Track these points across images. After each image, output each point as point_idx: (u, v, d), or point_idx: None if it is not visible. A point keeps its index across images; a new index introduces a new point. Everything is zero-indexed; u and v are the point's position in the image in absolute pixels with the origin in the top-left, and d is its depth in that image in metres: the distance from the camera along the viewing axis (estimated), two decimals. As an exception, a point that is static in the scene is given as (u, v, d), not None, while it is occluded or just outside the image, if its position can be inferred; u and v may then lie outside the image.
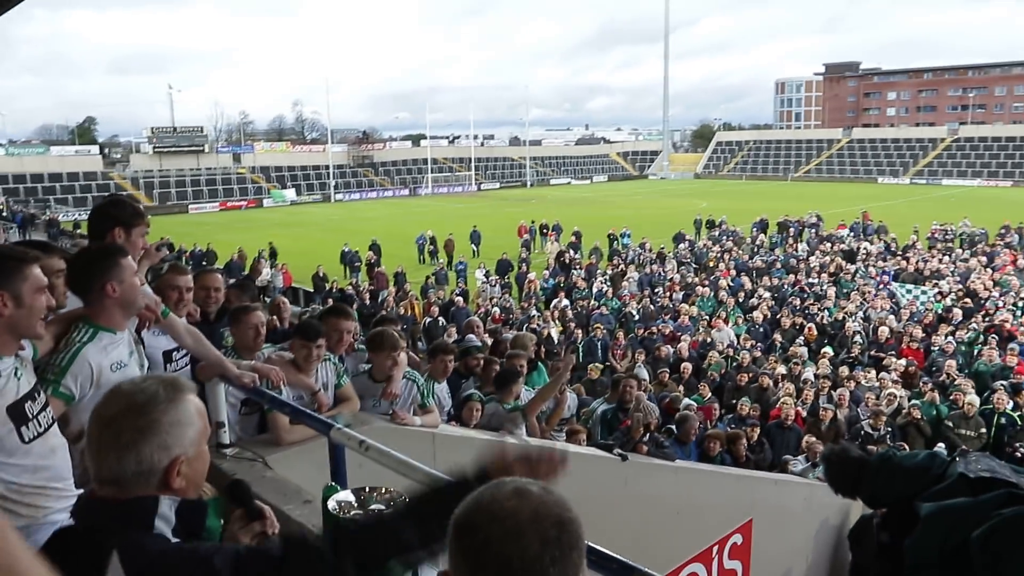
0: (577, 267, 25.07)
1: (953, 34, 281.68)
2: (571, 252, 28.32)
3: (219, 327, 4.75)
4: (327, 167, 73.93)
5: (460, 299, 18.95)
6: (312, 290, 23.03)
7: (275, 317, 6.88)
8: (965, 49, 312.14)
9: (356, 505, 2.37)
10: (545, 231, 35.64)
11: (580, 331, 15.37)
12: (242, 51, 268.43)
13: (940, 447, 9.98)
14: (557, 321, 16.73)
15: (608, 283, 21.61)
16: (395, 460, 2.84)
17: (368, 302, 19.10)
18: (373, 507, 2.32)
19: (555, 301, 19.54)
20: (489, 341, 10.69)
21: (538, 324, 15.99)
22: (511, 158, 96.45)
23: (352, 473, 3.23)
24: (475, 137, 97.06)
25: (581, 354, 14.65)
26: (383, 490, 2.42)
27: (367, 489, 2.43)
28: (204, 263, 24.50)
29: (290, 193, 70.33)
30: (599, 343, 14.68)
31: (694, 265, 25.38)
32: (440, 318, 15.77)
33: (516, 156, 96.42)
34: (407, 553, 1.65)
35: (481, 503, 1.27)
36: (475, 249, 32.44)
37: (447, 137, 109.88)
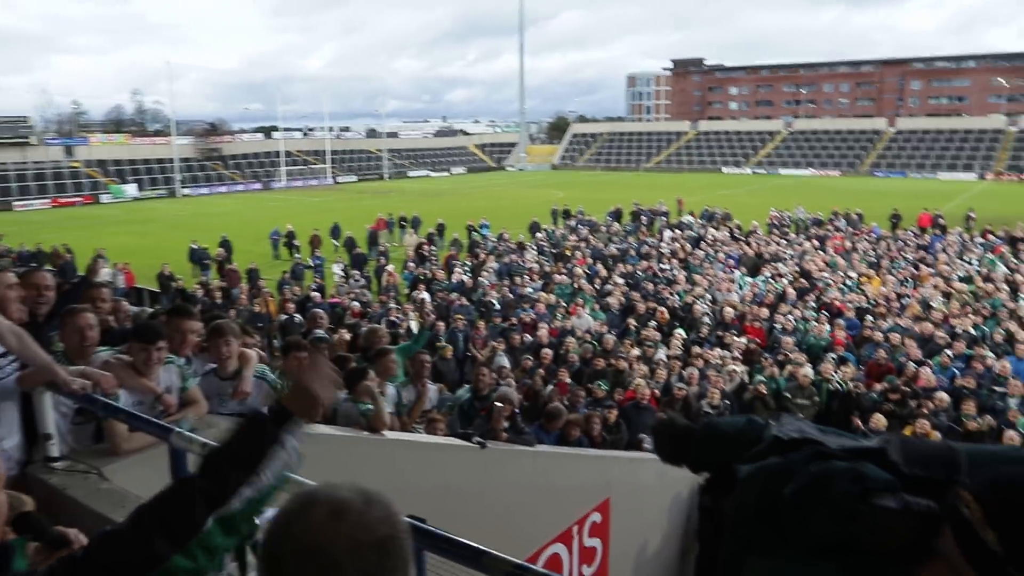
0: (436, 259, 25.05)
1: (788, 35, 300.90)
2: (430, 244, 28.26)
3: (48, 330, 4.43)
4: (171, 160, 70.17)
5: (317, 294, 18.50)
6: (159, 290, 21.86)
7: (112, 318, 6.46)
8: (798, 49, 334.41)
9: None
10: (404, 223, 35.37)
11: (441, 323, 15.33)
12: (73, 34, 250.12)
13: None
14: (416, 314, 16.63)
15: (468, 274, 21.71)
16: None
17: (220, 300, 18.31)
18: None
19: (414, 293, 19.44)
20: (347, 336, 10.51)
21: (397, 317, 15.84)
22: (368, 151, 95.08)
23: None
24: (330, 129, 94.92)
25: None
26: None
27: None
28: (33, 264, 22.76)
29: (131, 188, 66.28)
30: (460, 334, 14.72)
31: (552, 253, 25.88)
32: (296, 315, 15.32)
33: (373, 149, 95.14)
34: (209, 515, 1.46)
35: (291, 531, 1.11)
36: (336, 244, 31.77)
37: (301, 129, 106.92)
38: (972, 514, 1.04)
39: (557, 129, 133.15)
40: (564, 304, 17.64)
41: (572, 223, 34.17)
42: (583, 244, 26.88)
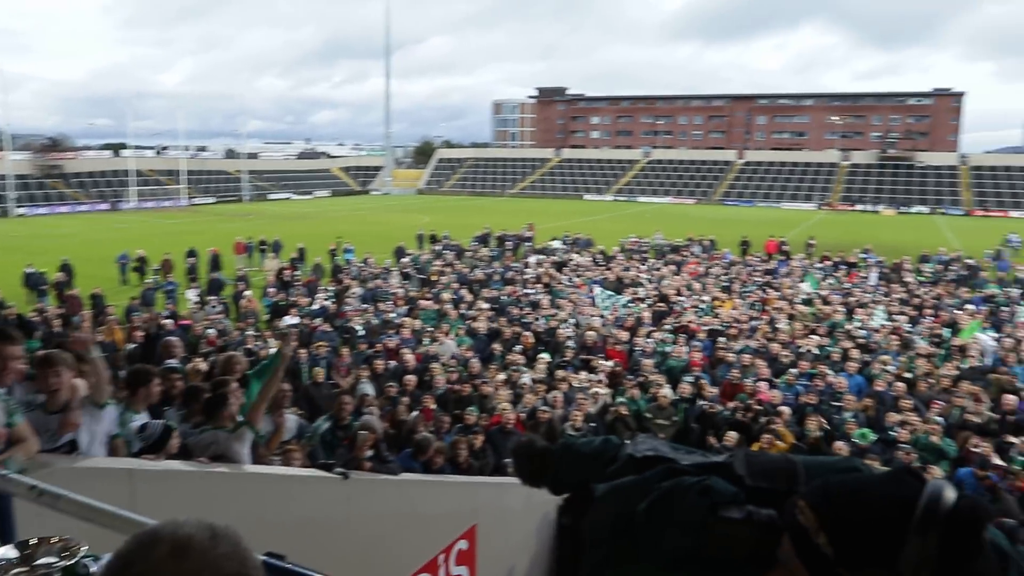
0: (298, 284, 24.36)
1: (647, 68, 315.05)
2: (293, 269, 27.45)
3: None
4: (4, 177, 65.03)
5: (170, 322, 17.53)
6: (-12, 317, 20.10)
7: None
8: (656, 82, 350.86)
9: (20, 561, 2.02)
10: (264, 247, 34.24)
11: (303, 350, 14.84)
12: None
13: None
14: (277, 341, 16.05)
15: (331, 299, 21.22)
16: (79, 505, 2.44)
17: (60, 328, 17.02)
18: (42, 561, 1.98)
19: (276, 320, 18.78)
20: (203, 366, 10.00)
21: (256, 345, 15.24)
22: (227, 172, 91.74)
23: (30, 524, 2.77)
24: (186, 148, 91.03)
25: (305, 373, 14.21)
26: (55, 539, 2.08)
27: (34, 541, 2.08)
28: None
29: (-44, 207, 60.91)
30: (323, 361, 14.32)
31: (418, 278, 25.73)
32: (146, 344, 14.44)
33: (232, 170, 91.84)
34: None
35: (131, 573, 1.01)
36: (191, 268, 30.27)
37: (154, 147, 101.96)
38: (806, 520, 1.09)
39: (423, 153, 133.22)
40: (430, 329, 17.53)
41: (438, 248, 34.13)
42: (449, 269, 26.88)
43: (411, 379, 12.90)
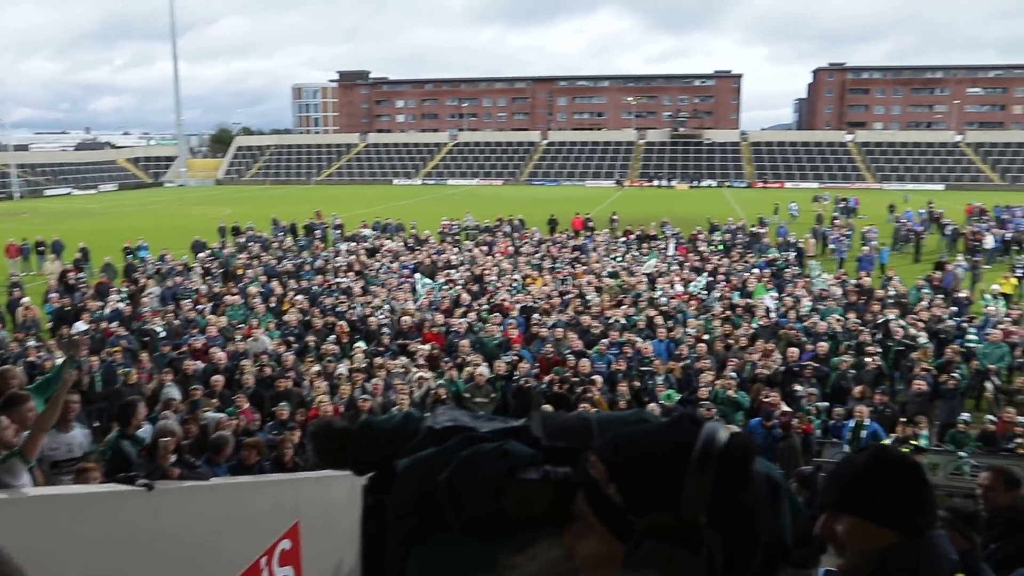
0: (84, 287, 22.41)
1: (451, 51, 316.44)
2: (77, 271, 25.17)
3: None
4: None
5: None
6: None
7: None
8: (460, 64, 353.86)
9: None
10: (42, 249, 31.16)
11: (94, 357, 13.65)
12: None
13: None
14: (63, 350, 14.68)
15: (126, 301, 19.70)
16: None
17: None
18: None
19: (62, 328, 17.16)
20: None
21: (38, 356, 13.88)
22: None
23: None
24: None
25: (99, 382, 13.13)
26: None
27: None
28: None
29: None
30: (118, 367, 13.28)
31: (221, 273, 24.47)
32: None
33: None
34: None
35: None
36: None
37: None
38: (597, 473, 1.13)
39: (220, 142, 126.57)
40: (239, 325, 16.73)
41: (242, 240, 32.55)
42: (255, 262, 25.72)
43: (219, 379, 12.26)
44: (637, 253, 27.83)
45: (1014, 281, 23.53)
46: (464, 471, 1.50)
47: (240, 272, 24.00)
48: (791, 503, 1.48)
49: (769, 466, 1.39)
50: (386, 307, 18.28)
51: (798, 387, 12.82)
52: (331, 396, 11.72)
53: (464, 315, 17.16)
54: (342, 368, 13.26)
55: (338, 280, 21.83)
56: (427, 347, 14.84)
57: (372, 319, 16.70)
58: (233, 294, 19.88)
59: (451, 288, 20.35)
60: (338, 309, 17.86)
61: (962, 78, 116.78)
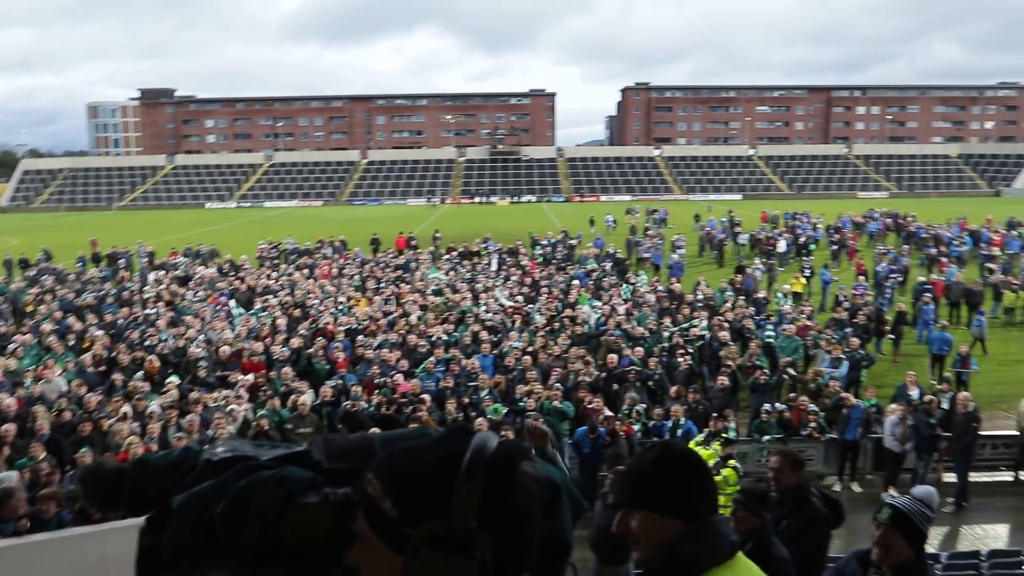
0: None
1: (264, 68, 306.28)
2: None
3: None
4: None
5: None
6: None
7: None
8: (275, 82, 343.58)
9: None
10: None
11: None
12: None
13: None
14: None
15: None
16: None
17: None
18: None
19: None
20: None
21: None
22: None
23: None
24: None
25: None
26: None
27: None
28: None
29: None
30: None
31: (10, 310, 22.27)
32: None
33: None
34: None
35: None
36: None
37: None
38: (374, 490, 1.16)
39: (4, 165, 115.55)
40: (32, 367, 15.22)
41: (32, 273, 29.68)
42: (48, 296, 23.56)
43: (10, 428, 11.09)
44: (463, 270, 28.06)
45: (803, 281, 25.79)
46: (240, 501, 1.48)
47: (31, 309, 21.93)
48: (574, 502, 1.55)
49: (550, 469, 1.45)
50: (201, 338, 17.29)
51: (629, 392, 13.36)
52: (141, 437, 10.91)
53: (286, 341, 16.55)
54: (154, 405, 12.39)
55: (146, 312, 20.40)
56: (248, 377, 14.18)
57: (191, 350, 15.75)
58: (24, 333, 18.11)
59: (269, 315, 19.57)
60: (147, 343, 16.70)
61: (752, 97, 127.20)
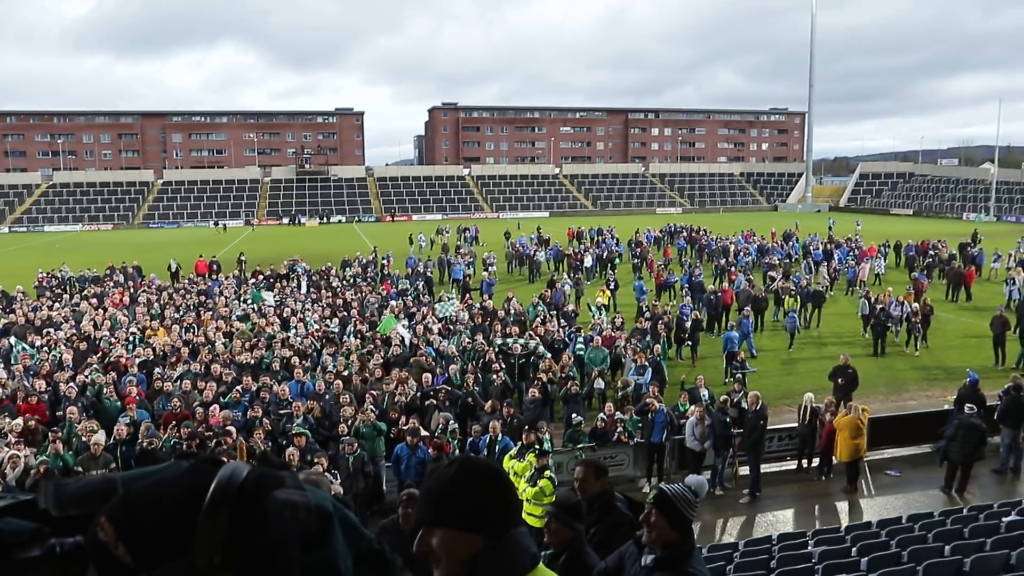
0: None
1: (46, 80, 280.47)
2: None
3: None
4: None
5: None
6: None
7: None
8: (58, 96, 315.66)
9: None
10: None
11: None
12: None
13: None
14: None
15: None
16: None
17: None
18: None
19: None
20: None
21: None
22: None
23: None
24: None
25: None
26: None
27: None
28: None
29: None
30: None
31: None
32: None
33: None
34: None
35: None
36: None
37: None
38: (105, 535, 1.06)
39: None
40: None
41: None
42: None
43: None
44: (255, 292, 26.98)
45: (608, 294, 27.01)
46: None
47: None
48: (352, 529, 1.48)
49: (320, 496, 1.38)
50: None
51: (441, 412, 13.32)
52: None
53: (72, 378, 15.12)
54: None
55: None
56: (18, 421, 12.73)
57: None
58: None
59: (52, 349, 17.83)
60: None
61: (556, 118, 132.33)
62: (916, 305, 22.82)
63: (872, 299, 23.57)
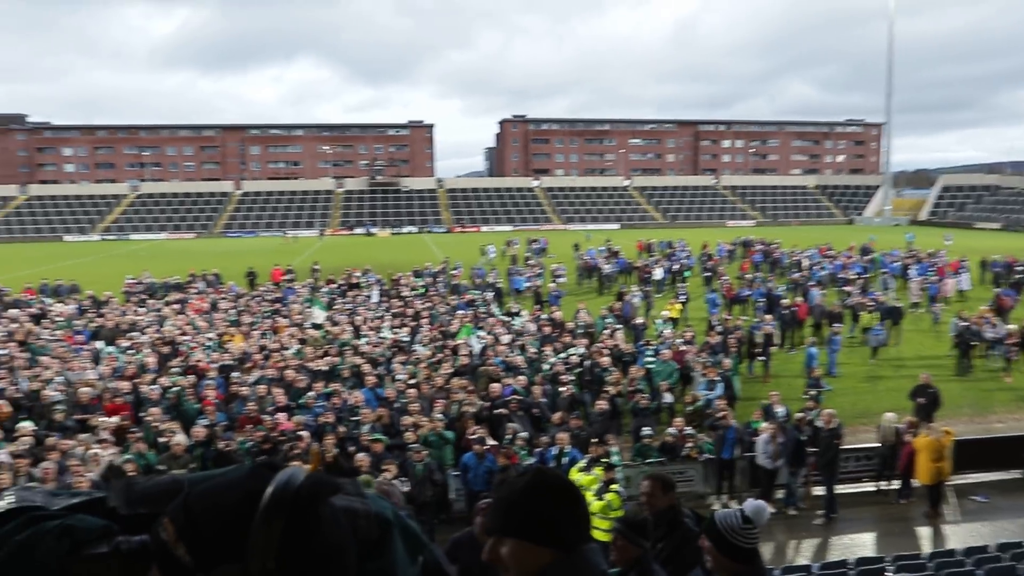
0: None
1: (135, 96, 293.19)
2: None
3: None
4: None
5: None
6: None
7: None
8: (146, 110, 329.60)
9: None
10: None
11: None
12: None
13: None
14: None
15: None
16: None
17: None
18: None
19: None
20: None
21: None
22: None
23: None
24: None
25: None
26: None
27: None
28: None
29: None
30: None
31: None
32: None
33: None
34: None
35: None
36: None
37: None
38: (167, 535, 1.09)
39: None
40: None
41: None
42: None
43: None
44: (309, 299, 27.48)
45: (679, 306, 26.66)
46: (17, 557, 1.32)
47: None
48: (413, 539, 1.48)
49: (381, 504, 1.40)
50: (59, 379, 16.13)
51: (511, 423, 13.32)
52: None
53: (154, 381, 15.68)
54: (2, 455, 11.41)
55: (-4, 353, 18.90)
56: (112, 420, 13.30)
57: (45, 392, 14.64)
58: None
59: (136, 352, 18.52)
60: (-3, 387, 15.45)
61: (625, 130, 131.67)
62: (1012, 327, 21.78)
63: (963, 318, 22.45)
